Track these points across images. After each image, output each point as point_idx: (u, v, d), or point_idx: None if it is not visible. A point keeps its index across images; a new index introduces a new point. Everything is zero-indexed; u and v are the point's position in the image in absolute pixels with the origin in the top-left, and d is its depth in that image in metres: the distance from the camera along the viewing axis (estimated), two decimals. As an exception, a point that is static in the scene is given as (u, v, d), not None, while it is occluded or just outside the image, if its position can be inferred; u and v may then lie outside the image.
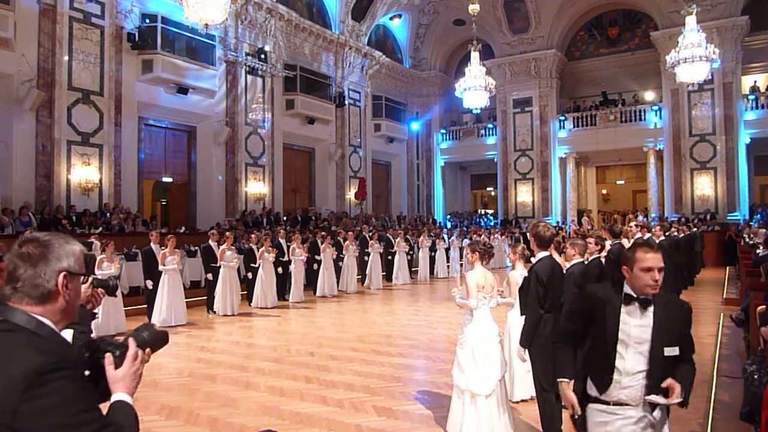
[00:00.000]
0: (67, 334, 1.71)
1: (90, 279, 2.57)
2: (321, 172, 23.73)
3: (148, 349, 1.86)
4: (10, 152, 13.72)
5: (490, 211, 29.95)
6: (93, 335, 2.19)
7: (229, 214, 18.72)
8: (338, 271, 15.56)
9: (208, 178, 18.73)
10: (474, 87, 18.80)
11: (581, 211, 27.07)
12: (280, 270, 13.48)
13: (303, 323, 11.14)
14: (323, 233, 15.84)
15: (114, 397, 1.67)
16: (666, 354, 2.73)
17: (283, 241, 14.09)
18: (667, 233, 11.99)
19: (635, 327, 2.73)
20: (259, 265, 12.76)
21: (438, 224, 26.24)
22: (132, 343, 1.75)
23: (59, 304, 1.64)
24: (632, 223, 13.91)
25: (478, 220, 28.44)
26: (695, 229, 18.09)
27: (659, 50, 22.96)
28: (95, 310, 2.68)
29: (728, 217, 22.18)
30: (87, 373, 1.70)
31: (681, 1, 19.70)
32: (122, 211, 15.03)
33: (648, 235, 10.08)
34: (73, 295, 1.69)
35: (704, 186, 22.91)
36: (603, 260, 7.37)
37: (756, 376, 4.25)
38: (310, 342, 9.07)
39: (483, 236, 20.05)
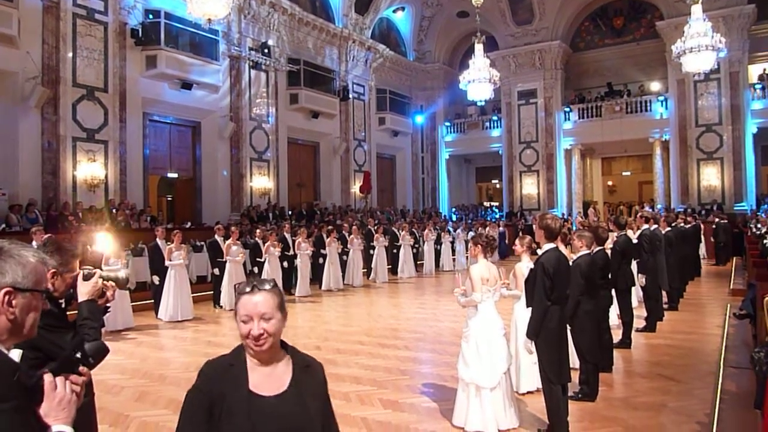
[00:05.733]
0: (15, 354, 1.53)
1: (99, 274, 2.58)
2: (326, 166, 23.72)
3: (84, 368, 1.79)
4: (16, 150, 13.77)
5: (496, 204, 29.89)
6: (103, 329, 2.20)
7: (235, 209, 18.75)
8: (343, 264, 15.59)
9: (213, 173, 18.76)
10: (478, 79, 18.71)
11: (587, 202, 26.99)
12: (285, 264, 13.51)
13: (309, 317, 11.17)
14: (328, 227, 15.86)
15: (54, 428, 1.50)
16: None
17: (288, 236, 14.13)
18: (673, 224, 11.94)
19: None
20: (265, 259, 12.80)
21: (443, 217, 26.22)
22: (47, 375, 1.54)
23: (2, 323, 1.48)
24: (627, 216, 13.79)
25: (483, 212, 28.40)
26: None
27: (665, 40, 22.77)
28: (108, 304, 2.69)
29: (735, 208, 22.05)
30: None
31: (686, -9, 19.53)
32: (128, 207, 15.09)
33: (654, 226, 10.04)
34: (21, 313, 1.51)
35: (711, 176, 22.78)
36: (609, 252, 7.38)
37: (766, 363, 4.22)
38: (317, 336, 9.10)
39: (488, 228, 20.04)
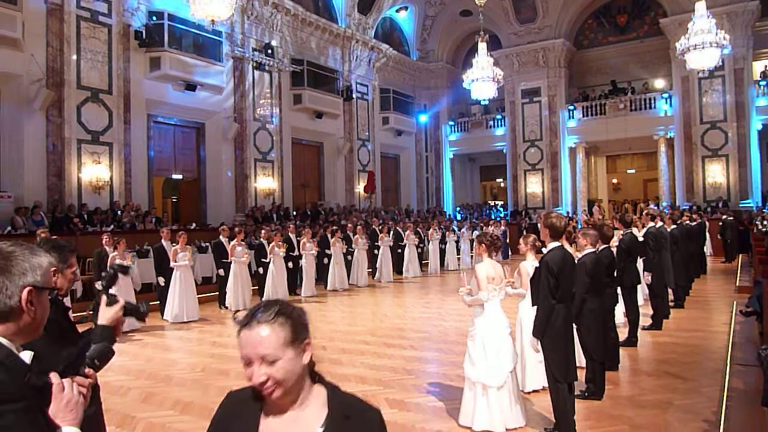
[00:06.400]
0: (26, 356, 1.55)
1: (122, 304, 2.56)
2: (330, 166, 23.74)
3: (90, 370, 1.79)
4: (21, 152, 13.82)
5: (500, 203, 29.86)
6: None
7: (239, 209, 18.79)
8: (348, 264, 15.59)
9: (217, 174, 18.80)
10: (482, 78, 18.69)
11: (592, 200, 26.91)
12: (290, 264, 13.53)
13: (314, 317, 11.06)
14: (333, 227, 15.86)
15: (63, 429, 1.52)
16: None
17: (293, 236, 14.14)
18: (678, 222, 11.90)
19: None
20: (270, 260, 12.81)
21: (448, 216, 26.21)
22: (54, 377, 1.57)
23: (22, 322, 1.52)
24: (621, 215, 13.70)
25: (488, 211, 28.37)
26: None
27: (669, 37, 22.71)
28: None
29: (740, 205, 21.97)
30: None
31: (690, -13, 19.45)
32: (133, 209, 15.13)
33: (660, 224, 10.02)
34: (39, 311, 1.55)
35: (716, 174, 22.69)
36: (614, 250, 7.36)
37: None
38: (322, 336, 9.10)
39: (492, 228, 20.00)
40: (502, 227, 21.99)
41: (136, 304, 2.71)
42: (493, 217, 26.10)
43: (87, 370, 1.81)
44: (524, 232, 16.21)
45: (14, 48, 13.45)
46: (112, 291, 2.59)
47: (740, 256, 18.13)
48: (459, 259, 19.97)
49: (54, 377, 1.56)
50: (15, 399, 1.39)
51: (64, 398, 1.54)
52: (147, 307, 2.72)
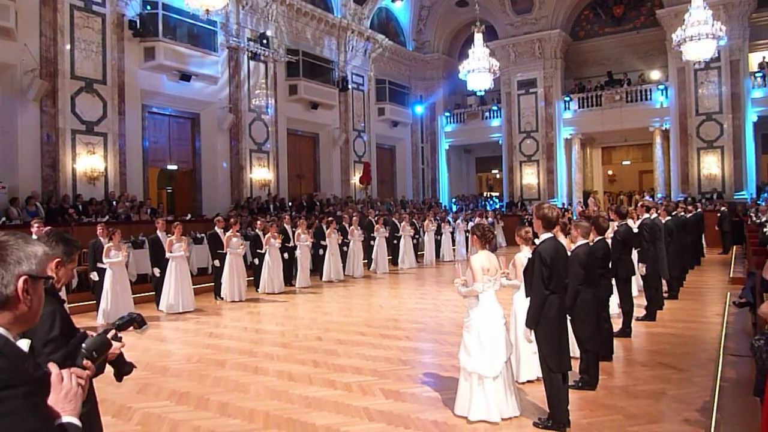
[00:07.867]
0: (23, 344, 1.56)
1: (121, 345, 2.55)
2: (325, 157, 23.70)
3: (88, 362, 1.80)
4: (15, 143, 13.74)
5: (496, 194, 29.89)
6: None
7: (235, 200, 18.76)
8: (344, 256, 15.61)
9: (213, 165, 18.74)
10: (478, 69, 18.64)
11: (587, 192, 26.96)
12: (286, 256, 13.54)
13: (310, 308, 11.20)
14: (328, 218, 15.87)
15: (63, 419, 1.53)
16: None
17: (288, 227, 14.15)
18: (673, 213, 11.93)
19: None
20: (266, 251, 12.83)
21: (443, 208, 26.23)
22: (53, 367, 1.58)
23: (18, 311, 1.52)
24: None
25: (483, 203, 28.39)
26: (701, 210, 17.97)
27: (665, 28, 22.67)
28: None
29: (735, 196, 22.05)
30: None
31: (687, -22, 19.38)
32: (128, 200, 15.09)
33: (654, 215, 10.06)
34: (35, 301, 1.56)
35: (711, 165, 22.75)
36: (609, 241, 7.39)
37: (765, 351, 4.24)
38: (318, 327, 9.13)
39: (484, 219, 20.00)
40: (489, 218, 21.94)
41: (130, 320, 2.70)
42: (488, 208, 26.13)
43: (85, 361, 1.82)
44: (525, 223, 16.17)
45: (7, 38, 13.33)
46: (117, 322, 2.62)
47: (734, 247, 18.22)
48: (454, 250, 20.01)
49: (53, 368, 1.57)
50: (15, 385, 1.40)
51: (63, 389, 1.55)
52: (141, 318, 2.74)
